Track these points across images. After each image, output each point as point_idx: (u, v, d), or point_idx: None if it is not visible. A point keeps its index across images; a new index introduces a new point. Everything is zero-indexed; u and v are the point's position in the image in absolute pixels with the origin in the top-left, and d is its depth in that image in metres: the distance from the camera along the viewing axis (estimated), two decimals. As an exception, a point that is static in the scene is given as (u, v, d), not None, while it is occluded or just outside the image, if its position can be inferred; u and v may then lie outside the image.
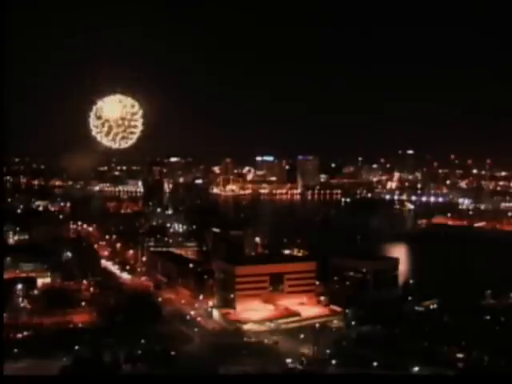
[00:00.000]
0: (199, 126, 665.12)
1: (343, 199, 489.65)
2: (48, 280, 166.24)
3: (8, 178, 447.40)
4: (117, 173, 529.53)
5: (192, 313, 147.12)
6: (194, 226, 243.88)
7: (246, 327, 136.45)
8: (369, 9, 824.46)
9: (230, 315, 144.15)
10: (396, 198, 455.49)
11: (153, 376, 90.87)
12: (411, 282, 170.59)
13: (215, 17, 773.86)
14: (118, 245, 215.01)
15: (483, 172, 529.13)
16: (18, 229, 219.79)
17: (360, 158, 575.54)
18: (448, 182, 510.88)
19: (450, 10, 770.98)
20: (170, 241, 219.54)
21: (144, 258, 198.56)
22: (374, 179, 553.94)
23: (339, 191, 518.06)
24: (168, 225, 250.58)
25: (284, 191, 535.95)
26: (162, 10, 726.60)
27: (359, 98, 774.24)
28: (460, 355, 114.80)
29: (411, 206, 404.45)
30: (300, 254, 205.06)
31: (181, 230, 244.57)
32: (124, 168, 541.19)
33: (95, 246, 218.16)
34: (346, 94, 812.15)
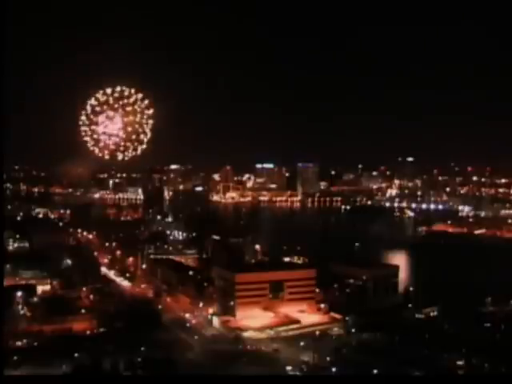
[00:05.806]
0: (199, 134, 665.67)
1: (343, 206, 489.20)
2: (48, 287, 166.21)
3: (8, 185, 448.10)
4: (117, 180, 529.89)
5: (192, 320, 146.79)
6: (194, 234, 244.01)
7: (245, 335, 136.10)
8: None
9: (230, 322, 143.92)
10: (396, 205, 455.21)
11: (153, 376, 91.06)
12: (411, 289, 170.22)
13: (214, 23, 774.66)
14: (118, 252, 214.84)
15: (483, 179, 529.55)
16: (17, 236, 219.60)
17: (360, 166, 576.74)
18: (448, 189, 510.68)
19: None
20: (170, 248, 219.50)
21: (144, 266, 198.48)
22: (374, 186, 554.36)
23: (339, 198, 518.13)
24: (168, 232, 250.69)
25: (284, 198, 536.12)
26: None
27: (359, 104, 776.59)
28: (460, 362, 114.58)
29: (411, 214, 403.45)
30: (300, 262, 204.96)
31: (181, 237, 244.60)
32: (124, 175, 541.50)
33: (95, 253, 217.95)
34: (345, 98, 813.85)
